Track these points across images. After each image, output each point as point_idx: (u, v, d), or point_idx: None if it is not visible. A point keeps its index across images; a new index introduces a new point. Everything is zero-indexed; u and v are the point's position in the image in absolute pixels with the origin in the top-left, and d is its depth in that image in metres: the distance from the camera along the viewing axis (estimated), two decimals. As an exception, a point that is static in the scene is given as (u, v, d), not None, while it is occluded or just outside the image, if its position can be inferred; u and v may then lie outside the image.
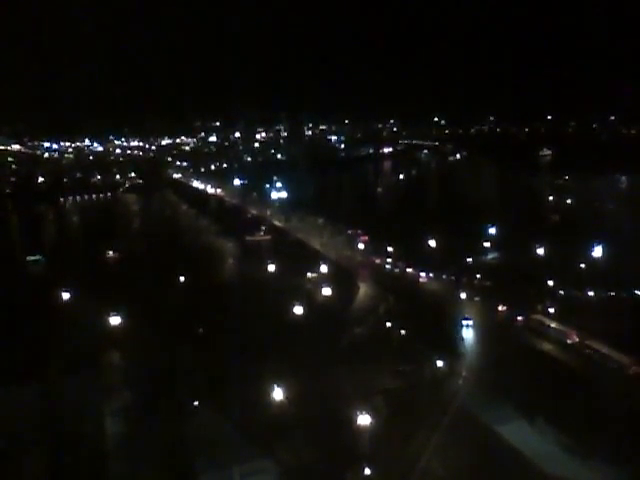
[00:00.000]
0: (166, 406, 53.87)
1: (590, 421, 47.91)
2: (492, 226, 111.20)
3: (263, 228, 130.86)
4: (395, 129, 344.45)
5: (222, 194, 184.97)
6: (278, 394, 53.23)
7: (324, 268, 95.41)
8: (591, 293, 77.03)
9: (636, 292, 75.20)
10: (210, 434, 49.27)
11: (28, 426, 50.96)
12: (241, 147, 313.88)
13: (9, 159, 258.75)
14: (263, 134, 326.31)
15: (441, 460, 45.58)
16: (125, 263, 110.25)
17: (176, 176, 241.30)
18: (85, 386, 56.91)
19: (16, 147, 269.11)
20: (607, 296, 76.13)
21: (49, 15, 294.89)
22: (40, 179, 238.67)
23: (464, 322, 71.65)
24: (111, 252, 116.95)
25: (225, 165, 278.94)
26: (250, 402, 53.21)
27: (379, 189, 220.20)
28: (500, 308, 74.71)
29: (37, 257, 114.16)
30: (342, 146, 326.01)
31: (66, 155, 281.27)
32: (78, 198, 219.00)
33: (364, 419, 47.73)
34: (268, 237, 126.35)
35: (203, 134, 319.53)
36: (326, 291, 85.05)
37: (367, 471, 43.93)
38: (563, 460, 45.11)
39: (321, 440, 47.32)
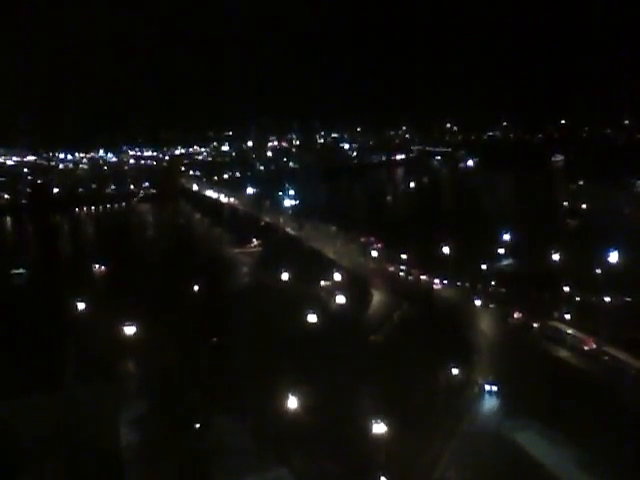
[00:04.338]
0: (181, 415, 53.81)
1: (607, 431, 47.08)
2: (506, 232, 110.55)
3: (254, 239, 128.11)
4: (407, 136, 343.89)
5: (235, 203, 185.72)
6: (294, 403, 52.96)
7: (337, 276, 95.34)
8: (607, 299, 76.22)
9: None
10: (225, 442, 49.14)
11: (44, 437, 50.87)
12: (253, 156, 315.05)
13: (24, 170, 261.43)
14: (275, 143, 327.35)
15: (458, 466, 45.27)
16: (130, 275, 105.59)
17: (189, 185, 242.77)
18: (101, 395, 56.71)
19: (31, 158, 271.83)
20: (624, 302, 75.34)
21: (62, 27, 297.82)
22: (55, 190, 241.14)
23: (487, 387, 58.00)
24: (103, 266, 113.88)
25: (238, 174, 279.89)
26: (266, 410, 53.02)
27: (392, 196, 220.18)
28: (515, 315, 74.08)
29: (21, 270, 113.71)
30: (354, 154, 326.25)
31: (81, 166, 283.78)
32: (93, 208, 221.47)
33: (379, 428, 47.29)
34: (258, 249, 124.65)
35: (216, 143, 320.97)
36: (340, 299, 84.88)
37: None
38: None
39: (336, 449, 47.05)
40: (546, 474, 44.66)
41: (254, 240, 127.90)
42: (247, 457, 46.89)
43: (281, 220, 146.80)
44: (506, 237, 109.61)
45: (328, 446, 47.73)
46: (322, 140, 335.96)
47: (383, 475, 43.56)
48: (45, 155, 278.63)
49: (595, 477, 43.98)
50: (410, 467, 45.29)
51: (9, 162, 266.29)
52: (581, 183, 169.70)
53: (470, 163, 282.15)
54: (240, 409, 54.41)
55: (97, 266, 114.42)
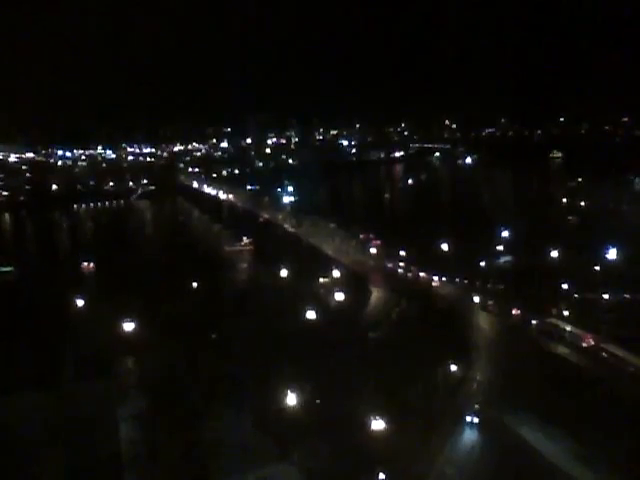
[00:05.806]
0: (183, 410, 53.88)
1: (605, 426, 47.21)
2: (505, 229, 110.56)
3: (245, 238, 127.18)
4: (406, 133, 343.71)
5: (234, 199, 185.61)
6: (294, 398, 53.03)
7: (336, 273, 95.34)
8: (606, 296, 76.27)
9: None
10: (227, 438, 49.19)
11: (43, 433, 50.93)
12: (252, 153, 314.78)
13: (23, 167, 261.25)
14: (274, 139, 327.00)
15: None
16: (115, 272, 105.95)
17: (188, 182, 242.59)
18: (100, 392, 56.75)
19: (30, 155, 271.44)
20: (622, 298, 75.40)
21: (62, 24, 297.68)
22: (54, 186, 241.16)
23: (468, 418, 52.39)
24: (92, 263, 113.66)
25: (237, 171, 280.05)
26: (267, 406, 53.14)
27: (391, 193, 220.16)
28: (514, 312, 74.03)
29: (8, 268, 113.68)
30: (353, 150, 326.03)
31: (79, 163, 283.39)
32: (91, 205, 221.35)
33: (379, 424, 47.38)
34: (249, 247, 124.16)
35: (215, 140, 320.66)
36: (339, 296, 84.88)
37: (382, 475, 43.76)
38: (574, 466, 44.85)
39: (337, 444, 47.15)
40: (545, 465, 44.96)
41: (244, 238, 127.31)
42: (249, 451, 46.96)
43: (280, 217, 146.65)
44: (505, 234, 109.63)
45: (328, 441, 47.77)
46: (321, 137, 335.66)
47: (382, 471, 43.78)
48: (44, 152, 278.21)
49: (593, 469, 44.31)
50: (408, 464, 45.44)
51: (8, 159, 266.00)
52: (580, 180, 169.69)
53: (469, 160, 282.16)
54: (241, 404, 54.50)
55: (86, 264, 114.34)
